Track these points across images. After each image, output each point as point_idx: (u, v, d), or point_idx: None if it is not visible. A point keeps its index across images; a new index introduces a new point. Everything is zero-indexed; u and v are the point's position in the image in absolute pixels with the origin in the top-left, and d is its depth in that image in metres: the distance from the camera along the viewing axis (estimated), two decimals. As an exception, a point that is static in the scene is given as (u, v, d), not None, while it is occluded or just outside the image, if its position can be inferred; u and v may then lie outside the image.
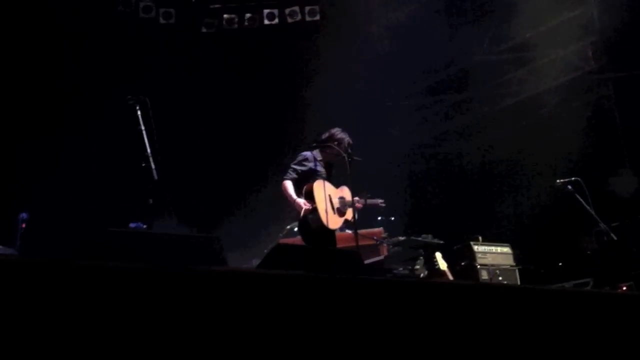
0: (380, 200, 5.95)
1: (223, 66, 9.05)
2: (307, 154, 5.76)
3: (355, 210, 5.72)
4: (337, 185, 5.80)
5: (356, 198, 5.74)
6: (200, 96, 8.50)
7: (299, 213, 5.49)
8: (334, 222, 5.59)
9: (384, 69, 10.12)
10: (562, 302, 2.80)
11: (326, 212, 5.49)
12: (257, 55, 9.41)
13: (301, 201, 5.49)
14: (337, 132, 5.78)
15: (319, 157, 5.78)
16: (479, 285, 4.16)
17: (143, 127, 4.60)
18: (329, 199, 5.58)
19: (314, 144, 5.85)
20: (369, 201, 5.81)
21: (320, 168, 5.73)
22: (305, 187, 5.57)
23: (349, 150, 5.67)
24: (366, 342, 2.24)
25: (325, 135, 5.81)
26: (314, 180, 5.59)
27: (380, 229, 7.29)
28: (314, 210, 5.45)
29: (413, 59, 9.81)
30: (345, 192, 5.80)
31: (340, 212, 5.69)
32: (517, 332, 2.53)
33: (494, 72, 10.11)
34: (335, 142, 5.69)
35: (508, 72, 10.00)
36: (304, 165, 5.68)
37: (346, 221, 5.76)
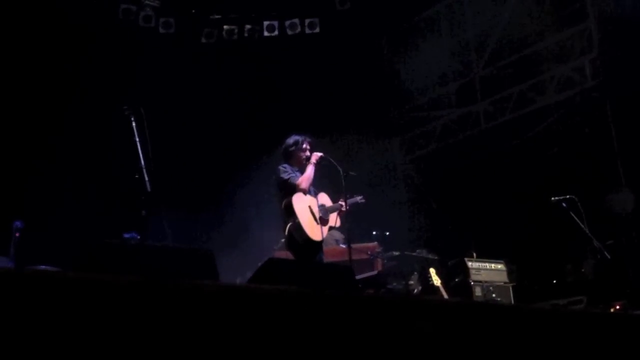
0: (358, 197, 5.79)
1: (221, 77, 9.06)
2: (285, 165, 5.65)
3: (341, 214, 5.63)
4: (316, 192, 5.71)
5: (340, 202, 5.63)
6: (196, 107, 8.49)
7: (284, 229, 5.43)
8: (317, 233, 5.48)
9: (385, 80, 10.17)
10: (551, 321, 2.79)
11: (309, 224, 5.40)
12: (256, 67, 9.41)
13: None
14: (292, 137, 5.73)
15: (295, 168, 5.66)
16: (471, 303, 4.16)
17: (137, 139, 4.61)
18: (309, 210, 5.49)
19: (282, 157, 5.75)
20: (349, 201, 5.64)
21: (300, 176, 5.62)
22: (284, 202, 5.48)
23: (309, 151, 5.61)
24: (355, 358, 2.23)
25: (283, 146, 5.74)
26: (292, 194, 5.47)
27: (375, 243, 7.28)
28: (297, 226, 5.36)
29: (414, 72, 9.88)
30: (324, 198, 5.71)
31: (324, 220, 5.58)
32: (507, 352, 2.52)
33: (494, 87, 10.16)
34: (293, 147, 5.64)
35: (508, 87, 10.04)
36: (288, 174, 5.56)
37: (331, 227, 5.66)
